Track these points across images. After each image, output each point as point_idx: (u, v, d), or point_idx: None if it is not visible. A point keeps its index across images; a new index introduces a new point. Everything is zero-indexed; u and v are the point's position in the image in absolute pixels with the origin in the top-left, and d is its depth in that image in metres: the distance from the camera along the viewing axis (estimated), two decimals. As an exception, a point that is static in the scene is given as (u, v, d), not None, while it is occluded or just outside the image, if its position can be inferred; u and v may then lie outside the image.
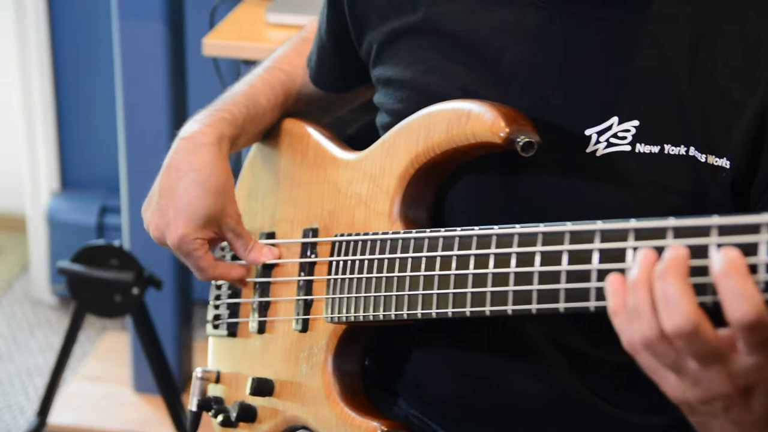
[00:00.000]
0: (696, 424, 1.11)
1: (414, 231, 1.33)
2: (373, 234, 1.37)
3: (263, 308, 1.53)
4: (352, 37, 1.50)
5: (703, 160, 1.26)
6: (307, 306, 1.46)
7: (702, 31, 1.26)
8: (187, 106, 2.76)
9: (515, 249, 1.21)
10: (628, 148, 1.27)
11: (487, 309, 1.24)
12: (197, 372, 1.62)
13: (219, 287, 1.65)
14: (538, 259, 1.19)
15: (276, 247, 1.53)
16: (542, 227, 1.20)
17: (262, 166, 1.61)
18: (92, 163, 3.38)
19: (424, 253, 1.30)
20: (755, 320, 0.97)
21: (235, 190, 1.63)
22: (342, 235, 1.42)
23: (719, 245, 1.03)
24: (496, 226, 1.24)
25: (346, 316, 1.39)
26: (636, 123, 1.27)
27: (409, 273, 1.32)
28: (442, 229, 1.29)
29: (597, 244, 1.13)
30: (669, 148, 1.27)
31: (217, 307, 1.64)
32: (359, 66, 1.52)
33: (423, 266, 1.30)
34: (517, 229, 1.22)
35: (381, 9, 1.44)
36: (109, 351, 3.17)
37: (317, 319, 1.45)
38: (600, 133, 1.28)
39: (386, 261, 1.34)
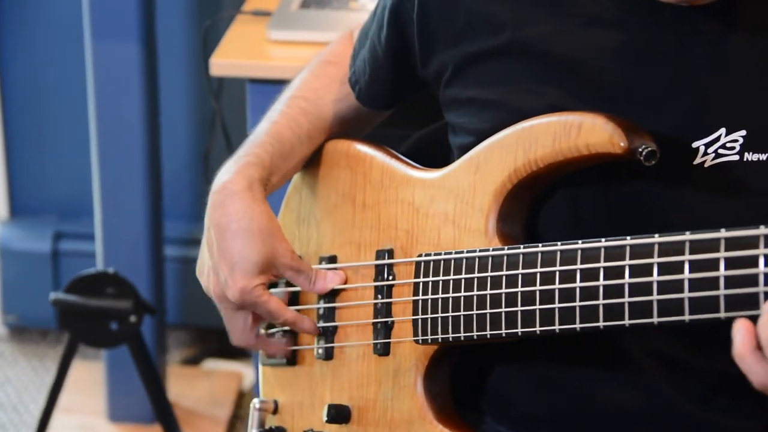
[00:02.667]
0: None
1: (522, 246, 1.32)
2: (468, 252, 1.36)
3: (330, 334, 1.51)
4: (414, 57, 1.49)
5: None
6: (388, 329, 1.44)
7: None
8: (161, 126, 2.73)
9: (628, 261, 1.23)
10: (736, 157, 1.29)
11: (601, 324, 1.25)
12: (255, 403, 1.58)
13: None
14: (655, 269, 1.21)
15: (341, 270, 1.50)
16: (657, 238, 1.22)
17: (311, 191, 1.58)
18: (43, 188, 3.30)
19: (538, 269, 1.30)
20: None
21: (281, 217, 1.60)
22: (428, 254, 1.40)
23: None
24: (603, 239, 1.26)
25: (442, 338, 1.38)
26: (743, 132, 1.29)
27: (508, 289, 1.31)
28: (555, 243, 1.29)
29: (722, 253, 1.17)
30: None
31: (271, 335, 1.59)
32: (410, 84, 1.53)
33: (538, 281, 1.29)
34: (629, 240, 1.24)
35: (455, 30, 1.43)
36: (76, 381, 3.09)
37: (401, 341, 1.43)
38: (708, 145, 1.30)
39: (489, 279, 1.34)
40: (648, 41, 1.32)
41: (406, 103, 1.63)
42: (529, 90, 1.37)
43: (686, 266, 1.19)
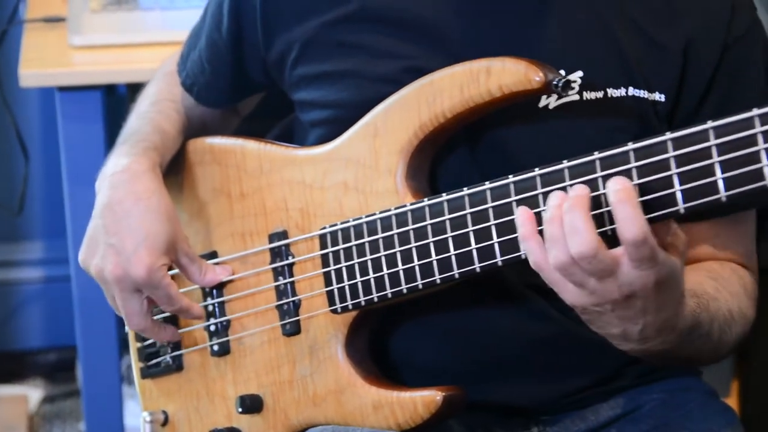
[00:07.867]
0: (585, 319, 1.29)
1: (445, 194, 1.35)
2: (383, 212, 1.38)
3: (224, 328, 1.51)
4: (258, 45, 1.52)
5: (642, 96, 1.41)
6: (296, 308, 1.45)
7: None
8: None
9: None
10: (576, 97, 1.40)
11: (522, 253, 1.30)
12: (145, 416, 1.57)
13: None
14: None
15: (227, 264, 1.52)
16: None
17: (171, 193, 1.55)
18: None
19: (468, 210, 1.33)
20: (641, 239, 1.19)
21: None
22: (333, 225, 1.42)
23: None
24: (511, 176, 1.31)
25: (365, 300, 1.40)
26: (580, 73, 1.39)
27: (436, 237, 1.35)
28: (465, 190, 1.34)
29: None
30: (611, 92, 1.40)
31: (147, 346, 1.58)
32: (251, 76, 1.57)
33: (469, 223, 1.33)
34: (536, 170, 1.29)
35: (302, 7, 1.47)
36: None
37: (312, 317, 1.44)
38: None
39: (412, 232, 1.37)
40: None
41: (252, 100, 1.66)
42: (384, 54, 1.44)
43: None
